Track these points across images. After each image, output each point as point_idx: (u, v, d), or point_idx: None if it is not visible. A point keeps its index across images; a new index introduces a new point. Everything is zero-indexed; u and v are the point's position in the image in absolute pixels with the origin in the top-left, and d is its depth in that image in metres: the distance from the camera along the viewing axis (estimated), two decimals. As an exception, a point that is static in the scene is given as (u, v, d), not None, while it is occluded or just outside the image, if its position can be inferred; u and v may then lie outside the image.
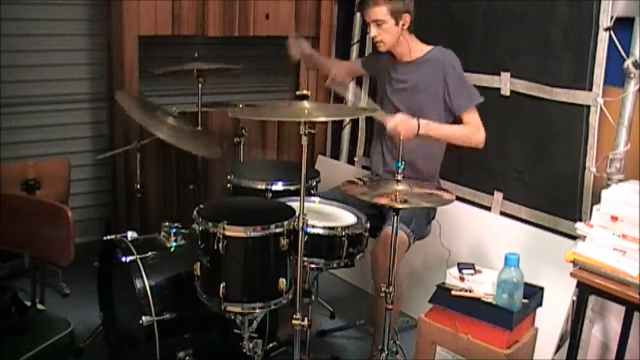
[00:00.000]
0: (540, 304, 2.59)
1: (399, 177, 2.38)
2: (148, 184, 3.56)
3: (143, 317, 2.36)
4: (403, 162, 2.38)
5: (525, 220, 3.13)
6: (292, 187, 2.80)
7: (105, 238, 2.63)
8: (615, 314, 2.71)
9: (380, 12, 2.75)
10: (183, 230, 2.64)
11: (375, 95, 3.13)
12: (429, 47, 2.89)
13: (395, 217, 2.34)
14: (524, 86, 3.07)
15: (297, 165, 2.22)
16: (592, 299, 2.62)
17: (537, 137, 3.06)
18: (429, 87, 2.84)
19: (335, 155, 4.26)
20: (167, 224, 2.65)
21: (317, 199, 2.78)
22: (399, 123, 2.67)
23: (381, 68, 3.05)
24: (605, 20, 2.67)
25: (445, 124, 2.82)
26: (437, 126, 2.79)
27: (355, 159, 4.12)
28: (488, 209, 3.31)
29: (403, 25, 2.81)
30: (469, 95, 2.82)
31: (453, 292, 2.52)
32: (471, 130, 2.81)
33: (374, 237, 2.70)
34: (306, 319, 2.27)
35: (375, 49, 2.93)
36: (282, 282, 2.25)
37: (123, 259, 2.44)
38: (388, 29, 2.79)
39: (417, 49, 2.88)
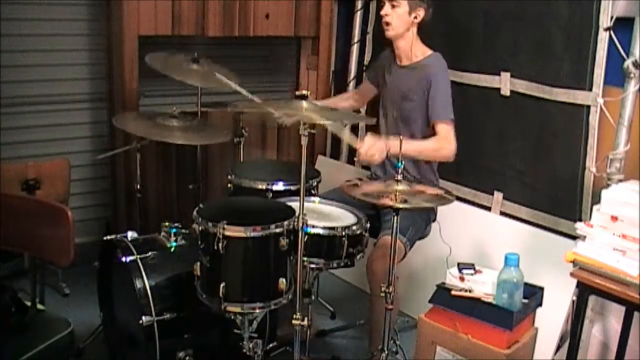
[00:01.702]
0: (540, 304, 2.59)
1: (399, 177, 2.39)
2: (148, 184, 3.56)
3: (143, 317, 2.36)
4: (403, 162, 2.38)
5: (525, 220, 3.13)
6: (292, 187, 2.80)
7: (105, 238, 2.63)
8: (615, 314, 2.71)
9: None
10: (183, 230, 2.64)
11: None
12: (428, 53, 2.89)
13: (395, 218, 2.34)
14: (524, 86, 3.07)
15: (297, 165, 2.22)
16: (592, 299, 2.62)
17: (537, 137, 3.07)
18: (416, 95, 2.85)
19: (335, 155, 4.26)
20: (167, 224, 2.65)
21: (317, 199, 2.78)
22: (369, 147, 2.64)
23: (381, 71, 3.06)
24: (605, 20, 2.67)
25: (414, 140, 2.79)
26: (406, 142, 2.74)
27: (355, 158, 4.11)
28: (488, 209, 3.31)
29: (415, 18, 2.83)
30: (445, 108, 2.80)
31: (453, 292, 2.52)
32: (439, 143, 2.78)
33: (373, 237, 2.70)
34: (306, 319, 2.27)
35: (373, 59, 2.94)
36: (282, 282, 2.25)
37: (123, 259, 2.44)
38: (400, 15, 2.81)
39: (418, 51, 2.89)
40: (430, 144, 2.79)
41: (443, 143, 2.78)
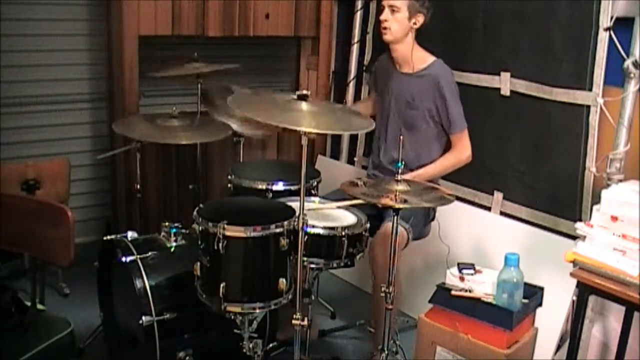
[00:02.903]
0: (540, 304, 2.59)
1: (399, 177, 2.39)
2: (148, 184, 3.56)
3: (143, 317, 2.36)
4: (403, 162, 2.38)
5: (525, 220, 3.13)
6: (292, 187, 2.80)
7: (105, 238, 2.63)
8: (615, 314, 2.71)
9: (399, 1, 2.80)
10: (183, 230, 2.64)
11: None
12: (431, 60, 2.90)
13: (395, 217, 2.34)
14: (524, 86, 3.07)
15: (297, 165, 2.22)
16: (592, 299, 2.62)
17: (537, 137, 3.07)
18: (422, 102, 2.87)
19: (335, 155, 4.26)
20: (167, 224, 2.65)
21: (317, 199, 2.78)
22: None
23: (381, 77, 3.06)
24: (605, 20, 2.67)
25: (429, 165, 2.90)
26: (422, 172, 2.86)
27: (355, 159, 4.12)
28: (488, 209, 3.31)
29: (414, 24, 2.84)
30: (461, 119, 2.86)
31: (453, 292, 2.52)
32: (456, 155, 2.90)
33: (373, 237, 2.70)
34: (306, 319, 2.27)
35: (373, 59, 2.95)
36: (282, 282, 2.25)
37: (123, 259, 2.44)
38: (399, 20, 2.82)
39: (418, 58, 2.90)
40: (445, 163, 2.91)
41: (460, 155, 2.90)
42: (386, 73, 3.03)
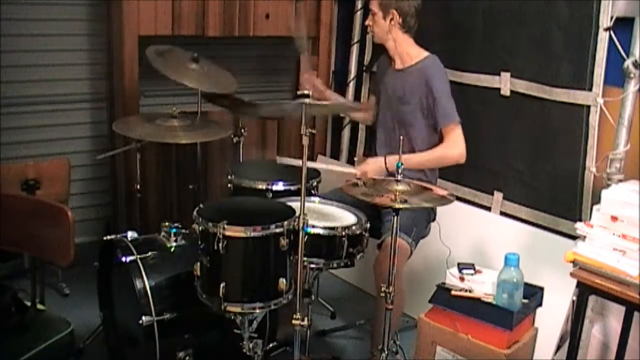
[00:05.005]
0: (540, 304, 2.59)
1: (399, 177, 2.39)
2: (148, 184, 3.56)
3: (143, 317, 2.36)
4: (402, 163, 2.38)
5: (525, 220, 3.13)
6: (292, 187, 2.80)
7: (105, 238, 2.63)
8: (615, 314, 2.71)
9: (373, 3, 2.93)
10: (183, 230, 2.64)
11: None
12: (423, 55, 2.91)
13: (395, 218, 2.34)
14: (524, 86, 3.07)
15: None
16: (592, 299, 2.62)
17: (537, 137, 3.07)
18: (413, 98, 2.87)
19: (335, 155, 4.26)
20: (167, 224, 2.64)
21: (317, 199, 2.78)
22: (368, 172, 2.79)
23: (379, 77, 3.09)
24: (605, 20, 2.67)
25: (416, 154, 2.86)
26: (408, 157, 2.78)
27: (355, 159, 4.12)
28: (488, 209, 3.31)
29: (391, 21, 2.87)
30: (451, 111, 2.82)
31: (453, 292, 2.52)
32: (445, 149, 2.83)
33: (373, 237, 2.70)
34: (306, 319, 2.27)
35: (373, 59, 2.99)
36: (282, 282, 2.25)
37: (123, 259, 2.44)
38: (377, 21, 2.93)
39: (412, 54, 2.91)
40: (432, 154, 2.85)
41: (447, 149, 2.83)
42: (382, 72, 3.07)
